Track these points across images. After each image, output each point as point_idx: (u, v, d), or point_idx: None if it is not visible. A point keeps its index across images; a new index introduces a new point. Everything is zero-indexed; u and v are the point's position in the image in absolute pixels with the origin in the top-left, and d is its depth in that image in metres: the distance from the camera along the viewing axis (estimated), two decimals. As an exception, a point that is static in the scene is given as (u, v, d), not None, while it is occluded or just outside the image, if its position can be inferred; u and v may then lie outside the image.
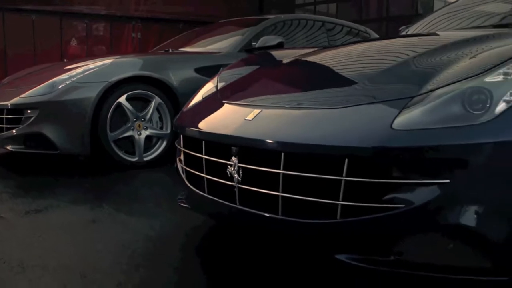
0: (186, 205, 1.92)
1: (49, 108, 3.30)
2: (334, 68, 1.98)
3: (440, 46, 1.76)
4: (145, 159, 3.49)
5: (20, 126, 3.30)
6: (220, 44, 4.30)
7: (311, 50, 2.42)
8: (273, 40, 3.98)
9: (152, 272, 1.71)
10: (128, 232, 2.11)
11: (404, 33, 2.83)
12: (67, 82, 3.37)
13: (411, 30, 2.79)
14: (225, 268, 1.76)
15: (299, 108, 1.55)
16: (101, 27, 14.78)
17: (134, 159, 3.48)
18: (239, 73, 2.22)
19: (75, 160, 3.65)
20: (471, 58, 1.48)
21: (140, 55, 4.20)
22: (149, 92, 3.49)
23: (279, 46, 3.95)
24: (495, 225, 1.24)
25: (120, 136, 3.44)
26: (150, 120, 3.45)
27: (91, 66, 3.47)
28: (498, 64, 1.36)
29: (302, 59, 2.18)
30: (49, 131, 3.27)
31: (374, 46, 2.31)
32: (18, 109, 3.34)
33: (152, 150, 3.53)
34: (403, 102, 1.36)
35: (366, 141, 1.30)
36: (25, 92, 3.37)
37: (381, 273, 1.34)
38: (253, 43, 4.04)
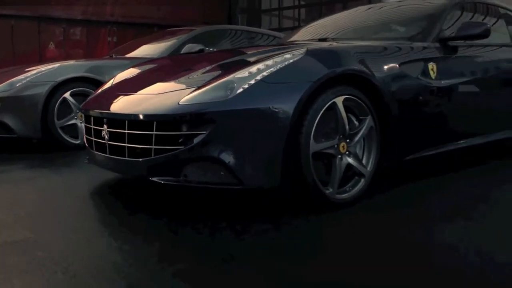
0: (87, 161, 2.94)
1: (9, 102, 4.30)
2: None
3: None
4: (86, 142, 4.51)
5: (-14, 116, 4.32)
6: (154, 49, 5.31)
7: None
8: (195, 47, 4.98)
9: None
10: (52, 183, 3.15)
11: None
12: (24, 81, 4.37)
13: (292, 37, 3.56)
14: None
15: (138, 94, 2.59)
16: (78, 31, 15.64)
17: (77, 142, 4.49)
18: (130, 73, 3.25)
19: (30, 142, 4.65)
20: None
21: (85, 60, 5.20)
22: (89, 90, 4.50)
23: (200, 51, 4.95)
24: (234, 157, 2.25)
25: (65, 124, 4.46)
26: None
27: (43, 69, 4.48)
28: (246, 67, 2.37)
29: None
30: (9, 119, 4.28)
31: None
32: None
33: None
34: (190, 90, 2.39)
35: (166, 111, 2.33)
36: (-10, 90, 4.38)
37: (177, 186, 2.36)
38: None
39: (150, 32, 12.35)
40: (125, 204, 2.69)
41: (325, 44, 2.94)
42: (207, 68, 2.70)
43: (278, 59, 2.41)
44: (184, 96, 2.36)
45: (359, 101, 2.51)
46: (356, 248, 1.95)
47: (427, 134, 2.93)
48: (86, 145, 2.91)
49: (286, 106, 2.25)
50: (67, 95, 4.44)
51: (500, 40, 3.73)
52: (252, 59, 2.56)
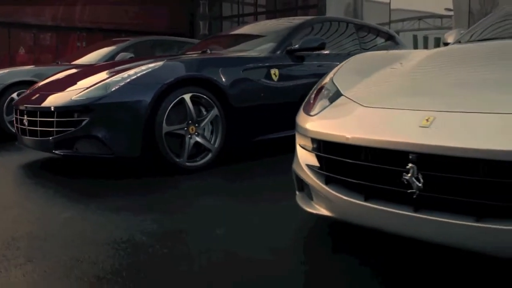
0: (17, 143, 3.96)
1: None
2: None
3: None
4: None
5: None
6: (94, 57, 6.32)
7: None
8: (127, 55, 6.00)
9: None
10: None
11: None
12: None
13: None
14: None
15: (49, 93, 3.62)
16: (48, 37, 16.50)
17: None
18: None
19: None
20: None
21: (33, 66, 6.19)
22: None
23: (132, 59, 5.96)
24: (108, 135, 3.27)
25: (12, 119, 5.44)
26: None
27: (-5, 73, 5.47)
28: (122, 72, 3.40)
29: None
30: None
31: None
32: None
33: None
34: (82, 89, 3.41)
35: (62, 104, 3.35)
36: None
37: (72, 156, 3.39)
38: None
39: (118, 37, 13.28)
40: (38, 171, 3.71)
41: (185, 57, 3.99)
42: (103, 73, 3.72)
43: (143, 67, 3.46)
44: (77, 94, 3.39)
45: (206, 97, 3.56)
46: (196, 190, 3.00)
47: (270, 122, 3.98)
48: (17, 131, 3.91)
49: (144, 100, 3.29)
50: (14, 95, 5.42)
51: (350, 48, 4.82)
52: (130, 67, 3.59)
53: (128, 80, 3.37)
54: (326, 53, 4.50)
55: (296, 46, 4.19)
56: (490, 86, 1.81)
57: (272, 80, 3.99)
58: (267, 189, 3.03)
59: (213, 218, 2.49)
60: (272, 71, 3.99)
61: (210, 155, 3.60)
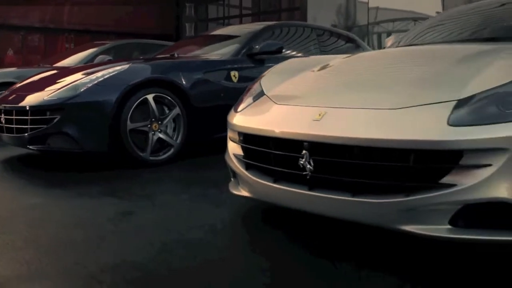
0: None
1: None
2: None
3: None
4: None
5: None
6: (74, 59, 6.64)
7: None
8: (105, 58, 6.33)
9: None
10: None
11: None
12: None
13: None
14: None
15: (25, 93, 3.95)
16: (36, 38, 16.75)
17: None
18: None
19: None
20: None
21: (16, 68, 6.50)
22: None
23: (109, 62, 6.30)
24: (77, 131, 3.61)
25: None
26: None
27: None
28: (91, 75, 3.70)
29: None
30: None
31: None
32: None
33: None
34: (54, 90, 3.74)
35: (35, 103, 3.69)
36: None
37: (44, 150, 3.72)
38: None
39: (107, 39, 13.63)
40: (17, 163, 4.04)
41: (152, 60, 4.35)
42: (75, 75, 4.05)
43: (110, 70, 3.80)
44: (49, 94, 3.72)
45: (168, 97, 3.90)
46: (156, 180, 3.35)
47: (229, 120, 4.33)
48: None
49: (109, 100, 3.63)
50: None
51: (310, 51, 5.19)
52: (99, 69, 3.93)
53: (96, 81, 3.71)
54: (285, 56, 4.85)
55: (256, 50, 4.55)
56: (375, 86, 2.18)
57: (232, 81, 4.34)
58: (220, 178, 3.38)
59: (163, 203, 2.84)
60: (232, 73, 4.34)
61: (172, 150, 3.94)
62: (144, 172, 3.66)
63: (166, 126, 3.93)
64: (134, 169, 3.73)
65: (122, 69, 3.82)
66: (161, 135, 3.88)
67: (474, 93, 1.81)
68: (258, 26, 5.03)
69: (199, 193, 3.01)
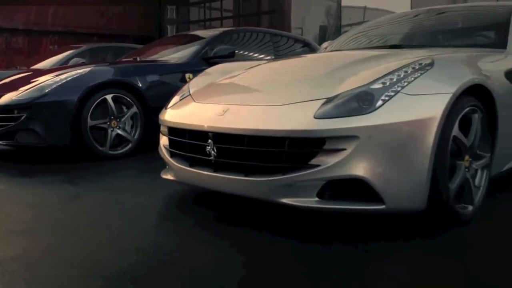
0: None
1: None
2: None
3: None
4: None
5: None
6: (49, 62, 7.06)
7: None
8: (77, 61, 6.75)
9: None
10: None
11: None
12: None
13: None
14: None
15: None
16: (20, 40, 17.05)
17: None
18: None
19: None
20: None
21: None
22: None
23: (82, 64, 6.71)
24: (41, 127, 4.04)
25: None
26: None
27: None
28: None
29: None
30: None
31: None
32: None
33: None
34: (20, 92, 4.17)
35: (4, 103, 4.11)
36: None
37: (15, 145, 4.14)
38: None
39: (90, 41, 13.99)
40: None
41: (114, 63, 4.78)
42: (43, 77, 4.47)
43: (73, 72, 4.24)
44: (17, 94, 4.15)
45: (126, 97, 4.34)
46: (113, 171, 3.78)
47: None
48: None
49: (71, 100, 4.07)
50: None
51: (265, 54, 5.67)
52: (64, 72, 4.37)
53: (60, 83, 4.14)
54: (238, 60, 5.31)
55: (211, 54, 5.00)
56: (274, 87, 2.65)
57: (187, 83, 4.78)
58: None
59: (113, 187, 3.28)
60: (187, 75, 4.79)
61: (130, 145, 4.39)
62: (103, 164, 4.09)
63: (125, 123, 4.37)
64: (95, 161, 4.16)
65: (84, 72, 4.25)
66: (119, 132, 4.32)
67: (341, 92, 2.27)
68: (215, 31, 5.48)
69: (147, 181, 3.44)
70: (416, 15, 3.95)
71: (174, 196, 3.00)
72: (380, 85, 2.24)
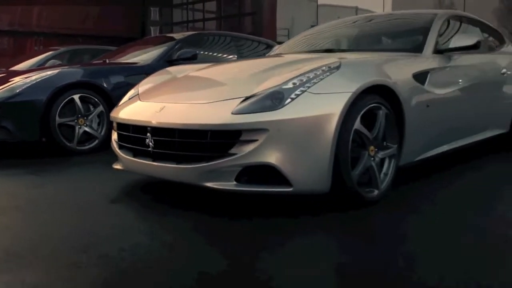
0: None
1: None
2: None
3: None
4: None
5: None
6: (28, 64, 7.40)
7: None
8: (54, 63, 7.09)
9: None
10: None
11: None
12: None
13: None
14: None
15: None
16: (5, 41, 17.27)
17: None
18: None
19: None
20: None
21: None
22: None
23: (59, 65, 7.06)
24: (11, 122, 4.40)
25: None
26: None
27: None
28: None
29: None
30: None
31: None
32: None
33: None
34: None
35: None
36: None
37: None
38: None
39: (75, 42, 14.24)
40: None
41: (83, 65, 5.15)
42: (17, 78, 4.81)
43: (43, 74, 4.59)
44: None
45: (93, 97, 4.71)
46: (79, 164, 4.14)
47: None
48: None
49: (40, 99, 4.43)
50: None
51: (228, 56, 6.05)
52: (35, 73, 4.72)
53: (29, 84, 4.50)
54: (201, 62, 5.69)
55: (175, 57, 5.38)
56: (207, 87, 3.04)
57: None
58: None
59: (76, 178, 3.65)
60: (151, 76, 5.15)
61: (96, 142, 4.76)
62: (70, 159, 4.46)
63: (92, 121, 4.73)
64: (63, 156, 4.52)
65: (53, 74, 4.61)
66: (86, 129, 4.68)
67: (257, 91, 2.66)
68: (181, 35, 5.87)
69: (108, 174, 3.81)
70: (355, 22, 4.36)
71: (128, 184, 3.38)
72: (291, 85, 2.62)
